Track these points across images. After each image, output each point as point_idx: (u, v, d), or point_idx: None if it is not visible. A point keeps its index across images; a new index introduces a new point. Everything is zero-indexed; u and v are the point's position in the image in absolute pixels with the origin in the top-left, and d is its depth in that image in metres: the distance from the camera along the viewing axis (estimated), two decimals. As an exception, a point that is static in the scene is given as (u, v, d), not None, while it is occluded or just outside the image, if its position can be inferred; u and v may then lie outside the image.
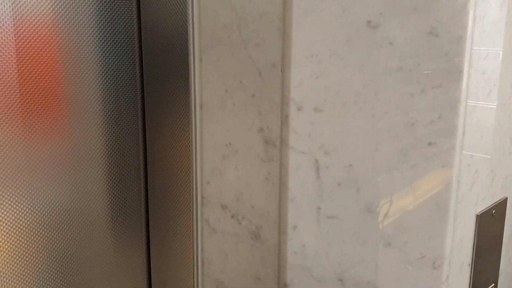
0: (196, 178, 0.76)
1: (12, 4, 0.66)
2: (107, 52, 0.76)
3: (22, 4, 0.67)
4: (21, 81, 0.68)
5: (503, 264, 0.85)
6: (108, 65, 0.77)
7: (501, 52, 0.69)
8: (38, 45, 0.69)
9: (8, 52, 0.66)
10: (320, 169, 0.62)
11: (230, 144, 0.70)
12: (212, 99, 0.71)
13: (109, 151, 0.80)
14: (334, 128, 0.61)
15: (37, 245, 0.73)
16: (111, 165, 0.81)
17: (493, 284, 0.80)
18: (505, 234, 0.82)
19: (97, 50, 0.75)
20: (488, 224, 0.74)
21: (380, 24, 0.59)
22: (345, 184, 0.62)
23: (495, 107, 0.69)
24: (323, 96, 0.60)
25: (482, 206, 0.72)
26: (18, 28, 0.66)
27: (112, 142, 0.80)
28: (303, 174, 0.62)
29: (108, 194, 0.82)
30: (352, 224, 0.64)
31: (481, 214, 0.71)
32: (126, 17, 0.77)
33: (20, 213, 0.71)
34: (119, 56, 0.78)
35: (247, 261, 0.71)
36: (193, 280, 0.80)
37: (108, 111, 0.78)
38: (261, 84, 0.64)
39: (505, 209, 0.79)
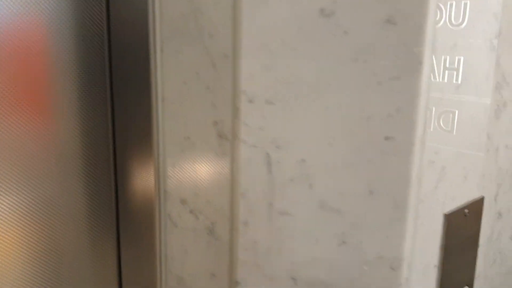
0: (159, 173, 0.74)
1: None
2: (76, 46, 0.75)
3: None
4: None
5: (482, 266, 0.81)
6: (77, 60, 0.75)
7: (473, 42, 0.66)
8: (6, 42, 0.68)
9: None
10: (271, 163, 0.60)
11: (188, 137, 0.68)
12: (172, 92, 0.69)
13: (79, 147, 0.79)
14: (286, 122, 0.58)
15: (7, 240, 0.73)
16: (82, 161, 0.79)
17: (467, 287, 0.77)
18: (483, 235, 0.79)
19: (66, 44, 0.74)
20: (459, 224, 0.71)
21: (334, 12, 0.56)
22: (298, 180, 0.60)
23: (468, 100, 0.65)
24: (274, 88, 0.58)
25: (452, 205, 0.69)
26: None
27: (82, 138, 0.79)
28: (254, 169, 0.60)
29: (79, 190, 0.80)
30: (305, 221, 0.61)
31: (450, 213, 0.68)
32: (95, 11, 0.76)
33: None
34: (88, 51, 0.76)
35: (204, 258, 0.69)
36: (158, 276, 0.79)
37: (78, 106, 0.77)
38: (215, 76, 0.62)
39: (481, 208, 0.75)
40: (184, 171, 0.70)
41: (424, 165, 0.61)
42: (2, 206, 0.72)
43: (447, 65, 0.62)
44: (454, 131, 0.65)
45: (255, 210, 0.61)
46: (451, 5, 0.63)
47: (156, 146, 0.73)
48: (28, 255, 0.75)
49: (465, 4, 0.64)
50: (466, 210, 0.71)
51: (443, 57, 0.62)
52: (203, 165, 0.66)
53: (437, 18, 0.62)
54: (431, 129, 0.61)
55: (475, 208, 0.73)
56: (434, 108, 0.61)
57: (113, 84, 0.79)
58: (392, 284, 0.63)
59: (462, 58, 0.64)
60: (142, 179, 0.78)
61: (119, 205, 0.86)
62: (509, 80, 0.72)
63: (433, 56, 0.58)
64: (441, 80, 0.61)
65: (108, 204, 0.85)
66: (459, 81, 0.64)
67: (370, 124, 0.58)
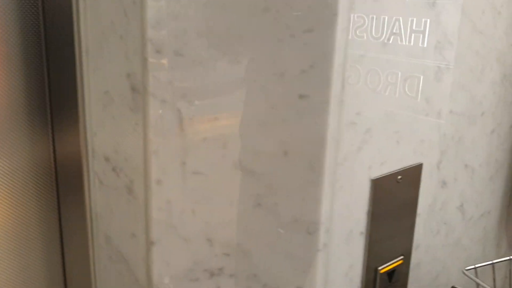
0: (86, 129, 0.72)
1: None
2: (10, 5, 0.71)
3: None
4: None
5: (422, 236, 0.79)
6: (12, 18, 0.72)
7: None
8: None
9: None
10: (183, 120, 0.57)
11: (108, 92, 0.65)
12: (94, 43, 0.66)
13: (16, 106, 0.76)
14: (197, 76, 0.55)
15: None
16: (20, 122, 0.77)
17: (402, 256, 0.75)
18: (422, 204, 0.76)
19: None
20: (390, 191, 0.68)
21: (246, -42, 0.52)
22: (211, 139, 0.57)
23: (395, 58, 0.62)
24: (183, 39, 0.55)
25: (381, 170, 0.66)
26: None
27: (19, 97, 0.76)
28: (165, 125, 0.57)
29: (19, 151, 0.78)
30: (219, 181, 0.59)
31: (378, 179, 0.65)
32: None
33: None
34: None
35: (126, 217, 0.67)
36: (89, 234, 0.78)
37: (15, 65, 0.74)
38: (126, 23, 0.58)
39: (419, 176, 0.72)
40: (106, 128, 0.67)
41: (342, 126, 0.58)
42: None
43: (374, 22, 0.58)
44: (385, 92, 0.62)
45: (168, 169, 0.59)
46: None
47: (81, 102, 0.70)
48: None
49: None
50: (399, 177, 0.68)
51: (370, 15, 0.58)
52: (120, 121, 0.63)
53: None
54: (355, 89, 0.58)
55: (411, 175, 0.71)
56: (360, 67, 0.58)
57: (47, 38, 0.76)
58: (309, 249, 0.61)
59: (394, 17, 0.60)
60: (75, 137, 0.76)
61: (57, 165, 0.84)
62: (453, 40, 0.69)
63: (354, 11, 0.54)
64: (367, 37, 0.57)
65: (48, 165, 0.83)
66: (391, 40, 0.60)
67: (283, 80, 0.55)
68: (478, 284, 0.64)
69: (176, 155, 0.58)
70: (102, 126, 0.68)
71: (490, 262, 0.68)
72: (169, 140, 0.58)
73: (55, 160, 0.83)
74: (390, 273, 0.74)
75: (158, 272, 0.62)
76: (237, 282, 0.63)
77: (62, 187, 0.83)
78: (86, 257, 0.79)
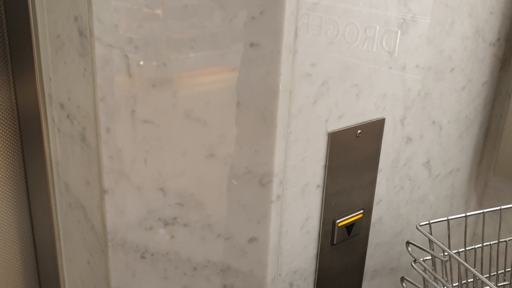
0: (41, 75, 0.70)
1: None
2: None
3: None
4: None
5: (384, 191, 0.79)
6: None
7: None
8: None
9: None
10: (131, 66, 0.55)
11: (59, 35, 0.62)
12: (46, -17, 0.63)
13: None
14: (142, 19, 0.53)
15: None
16: None
17: (362, 211, 0.75)
18: (385, 159, 0.76)
19: None
20: (349, 145, 0.67)
21: None
22: (160, 86, 0.56)
23: (354, 8, 0.59)
24: (129, -20, 0.52)
25: (339, 124, 0.65)
26: None
27: None
28: (113, 71, 0.55)
29: None
30: (170, 131, 0.58)
31: (335, 132, 0.64)
32: None
33: None
34: None
35: (80, 164, 0.66)
36: (50, 182, 0.77)
37: None
38: (72, -40, 0.55)
39: (381, 130, 0.71)
40: (59, 74, 0.65)
41: (296, 77, 0.56)
42: None
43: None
44: (343, 44, 0.60)
45: (117, 117, 0.57)
46: None
47: (36, 47, 0.68)
48: None
49: None
50: (359, 131, 0.67)
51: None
52: (71, 66, 0.61)
53: None
54: (309, 38, 0.56)
55: (372, 130, 0.70)
56: (314, 15, 0.56)
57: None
58: (262, 200, 0.61)
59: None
60: (33, 84, 0.74)
61: (19, 111, 0.82)
62: (420, -9, 0.66)
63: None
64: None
65: (11, 111, 0.81)
66: (351, -13, 0.58)
67: (233, 27, 0.52)
68: (430, 241, 0.64)
69: (125, 102, 0.57)
70: (56, 72, 0.66)
71: (445, 218, 0.68)
72: (117, 87, 0.56)
73: (17, 107, 0.81)
74: (349, 227, 0.74)
75: (112, 220, 0.62)
76: (192, 231, 0.63)
77: (24, 135, 0.82)
78: (49, 204, 0.79)
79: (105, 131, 0.58)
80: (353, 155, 0.69)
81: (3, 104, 0.79)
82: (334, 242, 0.72)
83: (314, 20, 0.56)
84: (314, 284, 0.73)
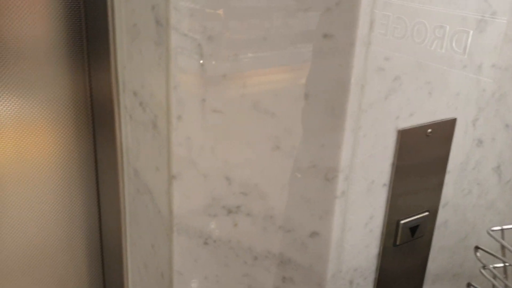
0: (116, 63, 0.73)
1: None
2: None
3: None
4: None
5: (451, 194, 0.76)
6: None
7: None
8: None
9: None
10: (204, 56, 0.56)
11: (135, 24, 0.65)
12: (126, -26, 0.66)
13: (56, 37, 0.78)
14: (217, 10, 0.54)
15: None
16: (59, 52, 0.79)
17: (427, 213, 0.73)
18: (455, 161, 0.73)
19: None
20: (419, 144, 0.66)
21: None
22: (231, 76, 0.57)
23: (431, 4, 0.58)
24: (207, -29, 0.53)
25: (409, 122, 0.63)
26: None
27: (55, 36, 0.77)
28: (186, 60, 0.57)
29: (57, 80, 0.80)
30: (238, 121, 0.58)
31: (405, 130, 0.63)
32: None
33: None
34: None
35: (151, 151, 0.69)
36: (119, 167, 0.80)
37: None
38: (153, -47, 0.57)
39: (451, 131, 0.69)
40: (133, 62, 0.68)
41: (369, 70, 0.55)
42: None
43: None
44: (418, 39, 0.58)
45: (188, 105, 0.59)
46: None
47: (112, 35, 0.71)
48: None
49: None
50: (429, 130, 0.65)
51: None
52: (146, 55, 0.63)
53: None
54: (385, 32, 0.55)
55: (442, 130, 0.67)
56: (391, 9, 0.54)
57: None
58: (326, 195, 0.60)
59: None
60: (108, 71, 0.77)
61: (93, 98, 0.86)
62: (503, -13, 0.63)
63: None
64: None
65: (84, 97, 0.85)
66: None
67: (307, 17, 0.52)
68: (503, 246, 0.62)
69: (196, 91, 0.58)
70: (131, 60, 0.69)
71: (519, 224, 0.65)
72: (189, 76, 0.58)
73: (90, 94, 0.85)
74: (413, 228, 0.72)
75: (178, 205, 0.64)
76: (254, 221, 0.64)
77: (97, 121, 0.85)
78: (117, 188, 0.83)
79: (176, 119, 0.60)
80: (422, 154, 0.67)
81: (77, 91, 0.83)
82: (397, 243, 0.71)
83: (390, 13, 0.55)
84: (374, 284, 0.72)
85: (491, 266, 0.63)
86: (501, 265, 0.64)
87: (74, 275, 0.92)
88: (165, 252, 0.69)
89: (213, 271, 0.67)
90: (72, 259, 0.91)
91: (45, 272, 0.88)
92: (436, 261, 0.81)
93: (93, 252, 0.93)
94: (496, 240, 0.62)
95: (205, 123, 0.60)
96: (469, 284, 0.64)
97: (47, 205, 0.85)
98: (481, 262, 0.64)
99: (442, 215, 0.76)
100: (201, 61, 0.56)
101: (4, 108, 0.75)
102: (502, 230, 0.65)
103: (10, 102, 0.75)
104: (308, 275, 0.64)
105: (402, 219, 0.70)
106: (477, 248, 0.65)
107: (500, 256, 0.61)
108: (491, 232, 0.64)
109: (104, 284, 0.96)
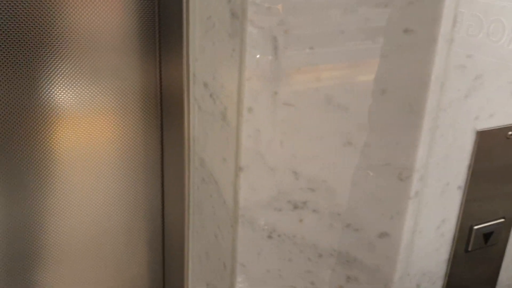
0: (188, 55, 0.74)
1: None
2: None
3: None
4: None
5: (530, 201, 0.72)
6: None
7: None
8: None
9: None
10: (278, 48, 0.56)
11: (210, 17, 0.65)
12: (202, -33, 0.66)
13: (126, 38, 0.80)
14: (294, 3, 0.53)
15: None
16: (131, 42, 0.81)
17: (503, 219, 0.69)
18: (536, 166, 0.69)
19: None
20: (498, 147, 0.62)
21: None
22: (305, 70, 0.56)
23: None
24: (286, -37, 0.52)
25: (489, 123, 0.60)
26: None
27: (129, 26, 0.80)
28: (260, 53, 0.57)
29: (128, 69, 0.83)
30: (309, 115, 0.58)
31: (484, 131, 0.60)
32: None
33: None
34: None
35: (218, 142, 0.69)
36: (186, 156, 0.82)
37: None
38: None
39: (535, 134, 0.65)
40: (206, 54, 0.68)
41: (450, 68, 0.53)
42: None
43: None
44: (502, 38, 0.55)
45: (260, 97, 0.59)
46: None
47: (186, 27, 0.71)
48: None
49: None
50: (510, 133, 0.62)
51: None
52: (219, 47, 0.64)
53: None
54: (468, 28, 0.52)
55: (525, 132, 0.63)
56: (475, 5, 0.52)
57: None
58: (399, 196, 0.58)
59: None
60: (179, 62, 0.78)
61: (162, 88, 0.88)
62: None
63: None
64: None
65: (154, 87, 0.87)
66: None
67: (388, 12, 0.51)
68: None
69: (269, 84, 0.58)
70: (203, 52, 0.69)
71: None
72: (262, 68, 0.57)
73: (160, 84, 0.87)
74: (487, 234, 0.69)
75: (244, 197, 0.64)
76: (320, 218, 0.63)
77: (165, 111, 0.87)
78: (182, 177, 0.84)
79: (247, 111, 0.60)
80: (501, 158, 0.63)
81: (148, 81, 0.85)
82: (469, 249, 0.67)
83: (474, 9, 0.52)
84: (442, 290, 0.69)
85: None
86: None
87: (135, 260, 0.95)
88: (229, 243, 0.70)
89: (276, 265, 0.67)
90: (134, 244, 0.93)
91: (107, 255, 0.91)
92: (509, 271, 0.77)
93: (154, 238, 0.96)
94: None
95: (275, 116, 0.59)
96: (548, 298, 0.61)
97: (113, 191, 0.88)
98: None
99: (520, 223, 0.72)
100: (276, 54, 0.56)
101: (78, 96, 0.78)
102: None
103: (83, 90, 0.78)
104: (374, 276, 0.62)
105: (476, 225, 0.67)
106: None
107: None
108: None
109: (164, 270, 0.99)
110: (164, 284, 0.99)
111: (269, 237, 0.65)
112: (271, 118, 0.59)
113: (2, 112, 0.72)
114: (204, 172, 0.76)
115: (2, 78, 0.71)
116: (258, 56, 0.57)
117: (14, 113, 0.73)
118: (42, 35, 0.72)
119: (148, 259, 0.96)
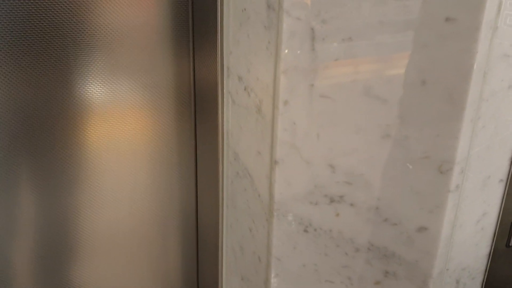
0: (222, 48, 0.74)
1: None
2: None
3: None
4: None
5: None
6: None
7: None
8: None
9: None
10: (316, 40, 0.55)
11: (245, 9, 0.65)
12: (236, -41, 0.66)
13: (161, 31, 0.81)
14: (333, -7, 0.52)
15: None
16: (165, 37, 0.82)
17: (547, 214, 0.66)
18: None
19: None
20: (543, 139, 0.60)
21: None
22: (343, 61, 0.55)
23: None
24: (324, -47, 0.52)
25: (535, 113, 0.58)
26: None
27: (163, 21, 0.80)
28: (297, 44, 0.56)
29: (163, 75, 0.83)
30: (347, 107, 0.57)
31: (529, 123, 0.58)
32: None
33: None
34: None
35: (253, 135, 0.69)
36: (219, 150, 0.82)
37: None
38: None
39: None
40: (241, 46, 0.68)
41: (493, 57, 0.51)
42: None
43: None
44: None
45: (296, 90, 0.58)
46: None
47: (220, 20, 0.71)
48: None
49: None
50: (557, 123, 0.59)
51: None
52: (254, 39, 0.63)
53: None
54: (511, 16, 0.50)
55: None
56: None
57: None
58: (439, 189, 0.57)
59: None
60: (213, 56, 0.78)
61: (195, 82, 0.88)
62: None
63: None
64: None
65: (187, 81, 0.88)
66: None
67: (428, 0, 0.49)
68: None
69: (305, 76, 0.57)
70: (237, 45, 0.69)
71: None
72: (299, 60, 0.57)
73: (194, 78, 0.87)
74: (529, 230, 0.67)
75: (279, 191, 0.64)
76: (357, 212, 0.62)
77: (199, 104, 0.88)
78: (216, 171, 0.84)
79: (282, 104, 0.59)
80: (546, 150, 0.61)
81: (181, 75, 0.85)
82: (510, 244, 0.66)
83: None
84: (482, 285, 0.68)
85: None
86: None
87: (169, 253, 0.96)
88: (264, 237, 0.70)
89: (312, 260, 0.66)
90: (168, 237, 0.94)
91: (142, 249, 0.92)
92: (552, 267, 0.74)
93: (189, 232, 0.96)
94: None
95: (311, 109, 0.59)
96: None
97: (148, 186, 0.88)
98: None
99: None
100: (313, 45, 0.55)
101: (112, 92, 0.79)
102: None
103: (118, 85, 0.79)
104: (413, 270, 0.61)
105: (518, 219, 0.65)
106: None
107: None
108: None
109: (198, 263, 0.99)
110: (198, 278, 1.00)
111: (305, 231, 0.65)
112: (307, 111, 0.59)
113: (40, 110, 0.74)
114: (238, 166, 0.76)
115: (39, 76, 0.72)
116: (294, 48, 0.56)
117: (51, 110, 0.75)
118: (77, 32, 0.73)
119: (182, 252, 0.97)
